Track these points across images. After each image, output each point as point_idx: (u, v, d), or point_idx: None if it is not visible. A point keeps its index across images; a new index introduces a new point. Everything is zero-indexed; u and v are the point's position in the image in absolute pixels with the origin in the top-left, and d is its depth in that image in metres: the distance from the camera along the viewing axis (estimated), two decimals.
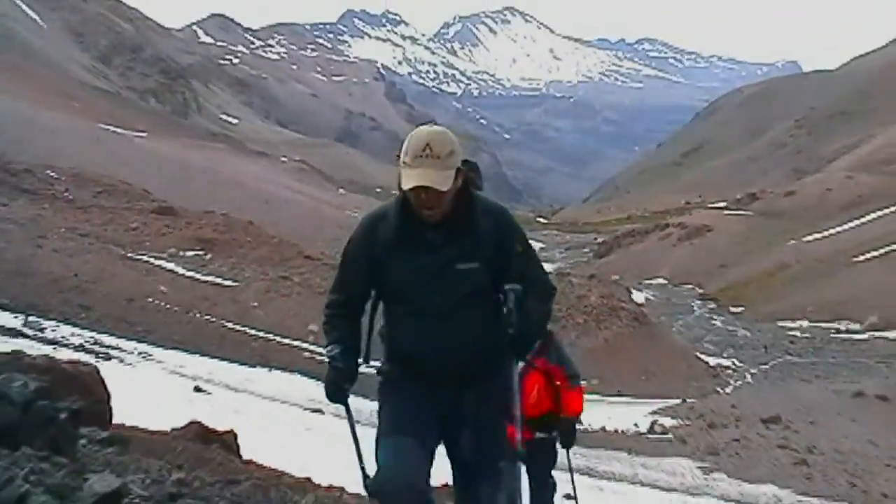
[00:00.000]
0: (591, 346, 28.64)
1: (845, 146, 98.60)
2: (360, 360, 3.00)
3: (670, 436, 17.99)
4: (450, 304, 2.75)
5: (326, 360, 2.96)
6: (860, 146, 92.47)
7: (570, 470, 4.65)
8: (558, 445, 4.86)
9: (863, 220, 57.27)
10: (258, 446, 7.18)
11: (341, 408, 3.03)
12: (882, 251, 46.06)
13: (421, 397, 2.86)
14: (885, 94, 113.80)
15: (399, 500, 2.63)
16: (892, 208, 57.09)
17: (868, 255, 46.25)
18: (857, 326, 36.88)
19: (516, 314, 2.72)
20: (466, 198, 2.79)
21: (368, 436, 2.90)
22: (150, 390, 9.54)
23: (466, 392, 2.85)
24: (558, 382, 4.48)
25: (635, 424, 19.21)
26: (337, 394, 2.98)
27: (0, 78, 62.66)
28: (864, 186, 67.17)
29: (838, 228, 57.31)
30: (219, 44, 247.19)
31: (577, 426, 4.65)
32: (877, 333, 35.35)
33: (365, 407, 4.09)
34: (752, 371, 31.17)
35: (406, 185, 2.61)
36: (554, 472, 4.76)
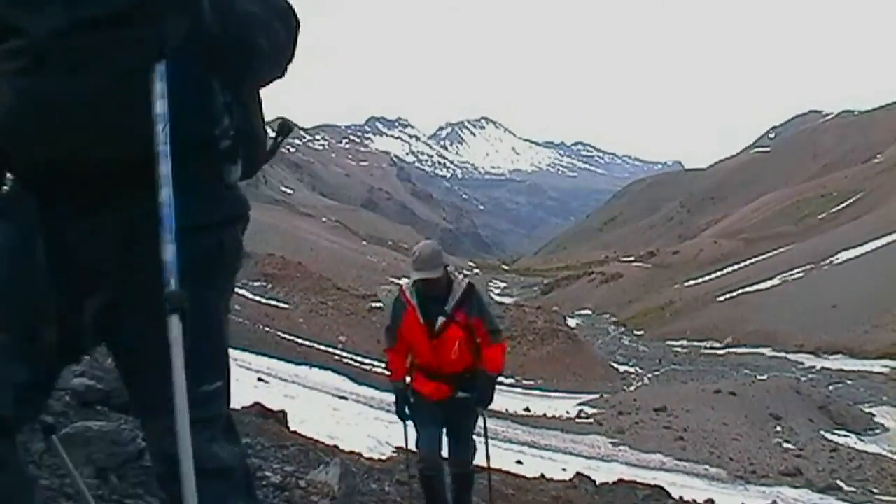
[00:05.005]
0: (538, 356, 28.53)
1: (712, 220, 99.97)
2: None
3: (591, 420, 17.90)
4: (64, 32, 0.94)
5: None
6: (722, 221, 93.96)
7: (486, 432, 3.18)
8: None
9: (722, 271, 57.68)
10: (302, 421, 7.15)
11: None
12: (735, 293, 46.32)
13: (33, 233, 1.05)
14: (737, 186, 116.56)
15: None
16: (742, 264, 57.61)
17: (726, 296, 46.47)
18: (718, 345, 36.88)
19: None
20: None
21: None
22: None
23: (106, 221, 1.06)
24: (479, 339, 3.05)
25: (567, 411, 19.11)
26: None
27: None
28: (724, 248, 67.79)
29: (707, 277, 57.64)
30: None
31: (496, 385, 3.11)
32: (730, 349, 35.44)
33: None
34: (648, 375, 31.01)
35: None
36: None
